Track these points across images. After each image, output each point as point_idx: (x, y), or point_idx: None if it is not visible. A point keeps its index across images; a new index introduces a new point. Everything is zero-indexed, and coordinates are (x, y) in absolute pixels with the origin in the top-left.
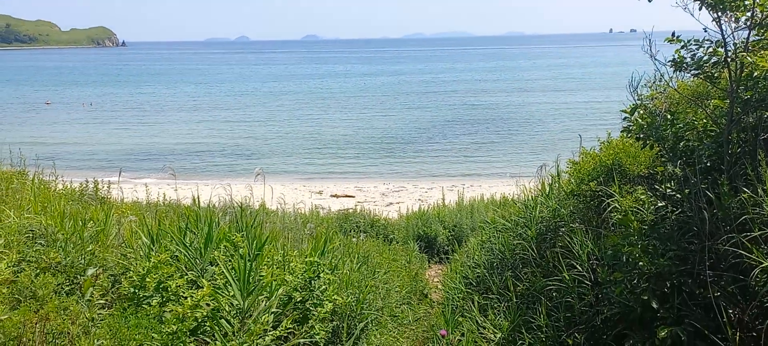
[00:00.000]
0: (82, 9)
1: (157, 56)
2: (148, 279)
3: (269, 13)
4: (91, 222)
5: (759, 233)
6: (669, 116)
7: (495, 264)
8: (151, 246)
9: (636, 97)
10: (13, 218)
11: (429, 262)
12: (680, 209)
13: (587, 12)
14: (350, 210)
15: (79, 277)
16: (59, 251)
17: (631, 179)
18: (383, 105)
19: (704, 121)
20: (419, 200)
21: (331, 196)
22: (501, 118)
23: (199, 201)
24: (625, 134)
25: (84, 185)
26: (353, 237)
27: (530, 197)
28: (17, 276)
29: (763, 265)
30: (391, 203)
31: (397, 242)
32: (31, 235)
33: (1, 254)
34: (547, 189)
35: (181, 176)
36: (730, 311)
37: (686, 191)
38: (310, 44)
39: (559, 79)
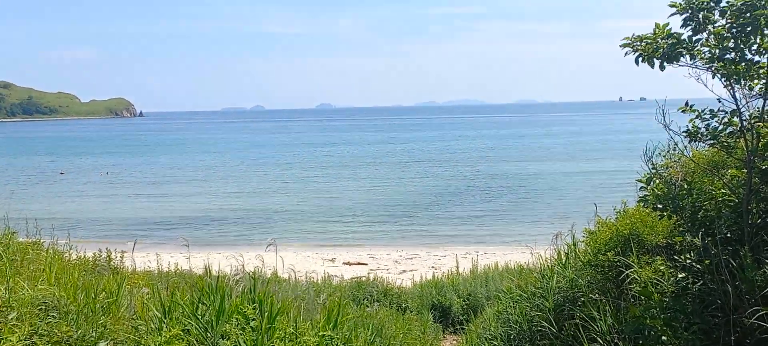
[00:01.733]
0: (102, 81)
1: (173, 126)
2: None
3: (284, 83)
4: (103, 293)
5: None
6: (686, 186)
7: (512, 336)
8: (163, 319)
9: (651, 167)
10: (27, 290)
11: (444, 333)
12: (702, 281)
13: (597, 80)
14: (363, 278)
15: None
16: (71, 324)
17: (650, 249)
18: (396, 172)
19: (722, 190)
20: (433, 267)
21: (344, 263)
22: (514, 185)
23: (211, 271)
24: (641, 204)
25: (98, 255)
26: (367, 307)
27: (546, 266)
28: None
29: None
30: (404, 271)
31: (411, 312)
32: (43, 307)
33: (13, 326)
34: (564, 258)
35: (194, 245)
36: None
37: (707, 262)
38: (323, 113)
39: (571, 146)
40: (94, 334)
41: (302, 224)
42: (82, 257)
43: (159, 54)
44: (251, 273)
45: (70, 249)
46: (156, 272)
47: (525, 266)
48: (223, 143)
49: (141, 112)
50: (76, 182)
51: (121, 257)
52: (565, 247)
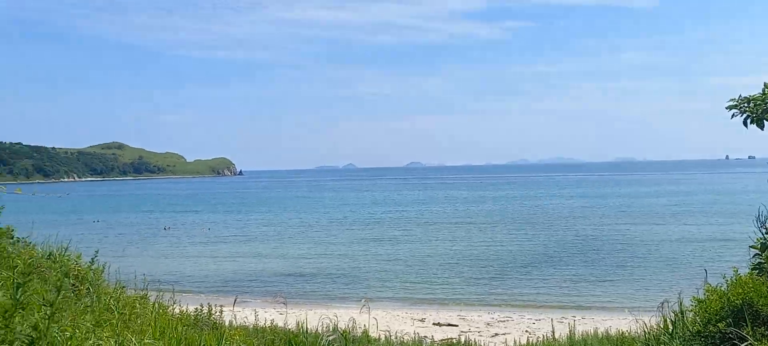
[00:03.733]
0: (206, 142)
1: (270, 183)
2: None
3: (374, 142)
4: None
5: None
6: None
7: None
8: None
9: (765, 232)
10: (134, 343)
11: None
12: None
13: (702, 138)
14: (454, 340)
15: None
16: None
17: (765, 320)
18: (488, 231)
19: None
20: (526, 331)
21: (434, 324)
22: (614, 247)
23: (306, 328)
24: (755, 272)
25: (199, 310)
26: None
27: (652, 335)
28: None
29: None
30: (496, 334)
31: None
32: None
33: None
34: (671, 327)
35: (289, 301)
36: None
37: None
38: (413, 171)
39: (675, 207)
40: None
41: (392, 282)
42: (184, 311)
43: (258, 117)
44: (343, 332)
45: (173, 303)
46: (252, 327)
47: (627, 334)
48: (317, 200)
49: (241, 171)
50: (180, 238)
51: (220, 312)
52: (672, 315)
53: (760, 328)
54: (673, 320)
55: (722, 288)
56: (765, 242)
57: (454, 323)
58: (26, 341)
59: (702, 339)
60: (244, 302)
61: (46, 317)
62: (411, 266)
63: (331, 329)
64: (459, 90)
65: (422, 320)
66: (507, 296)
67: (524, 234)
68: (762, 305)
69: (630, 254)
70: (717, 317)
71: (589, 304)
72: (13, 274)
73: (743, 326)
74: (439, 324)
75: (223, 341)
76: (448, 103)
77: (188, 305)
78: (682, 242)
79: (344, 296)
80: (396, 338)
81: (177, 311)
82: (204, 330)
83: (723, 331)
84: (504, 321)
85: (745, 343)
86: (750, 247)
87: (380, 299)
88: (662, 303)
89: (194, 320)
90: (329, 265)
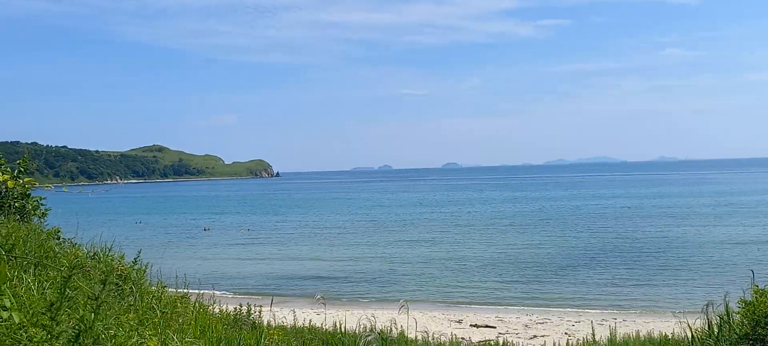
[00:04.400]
0: (244, 144)
1: (307, 185)
2: None
3: (410, 143)
4: None
5: None
6: None
7: None
8: None
9: None
10: (176, 342)
11: None
12: None
13: (745, 135)
14: (491, 342)
15: None
16: None
17: None
18: (526, 232)
19: None
20: (566, 333)
21: (471, 326)
22: (654, 247)
23: (344, 327)
24: None
25: (238, 309)
26: None
27: (697, 338)
28: None
29: None
30: (535, 336)
31: None
32: None
33: None
34: (716, 330)
35: (327, 301)
36: None
37: None
38: (450, 172)
39: (719, 207)
40: None
41: (429, 285)
42: (224, 310)
43: (295, 119)
44: (379, 332)
45: (214, 303)
46: (290, 327)
47: (671, 337)
48: (353, 202)
49: (278, 173)
50: (219, 238)
51: (260, 311)
52: (717, 317)
53: None
54: (719, 322)
55: None
56: None
57: (491, 325)
58: (72, 335)
59: (749, 342)
60: (283, 302)
61: (92, 311)
62: (448, 267)
63: (368, 330)
64: (496, 90)
65: (460, 322)
66: (546, 297)
67: (563, 235)
68: None
69: (673, 256)
70: (766, 319)
71: (630, 306)
72: (60, 272)
73: None
74: (476, 326)
75: (263, 340)
76: (485, 104)
77: (228, 305)
78: (727, 243)
79: (382, 297)
80: (433, 339)
81: (217, 310)
82: (243, 329)
83: None
84: (542, 323)
85: None
86: None
87: (417, 300)
88: (707, 305)
89: (234, 319)
90: (366, 267)
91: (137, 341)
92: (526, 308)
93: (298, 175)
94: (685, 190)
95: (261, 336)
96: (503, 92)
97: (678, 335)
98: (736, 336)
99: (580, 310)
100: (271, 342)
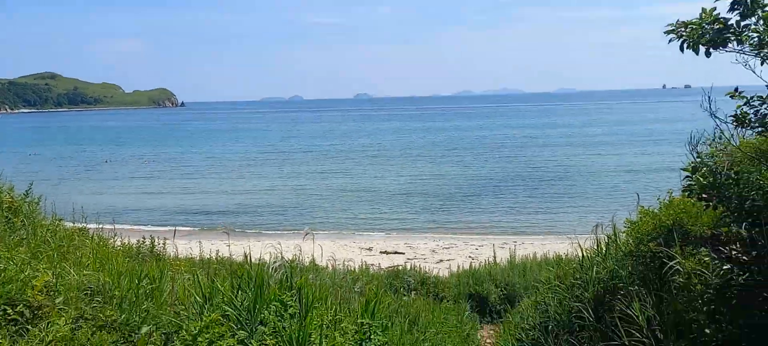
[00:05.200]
0: (145, 72)
1: (213, 116)
2: (199, 339)
3: (321, 74)
4: (146, 279)
5: None
6: (733, 175)
7: (550, 327)
8: (204, 304)
9: (696, 156)
10: (73, 275)
11: (481, 322)
12: (747, 273)
13: (639, 68)
14: (400, 267)
15: (133, 335)
16: (115, 309)
17: (694, 240)
18: (433, 161)
19: None
20: (470, 257)
21: (381, 252)
22: (553, 175)
23: (250, 258)
24: (685, 193)
25: (141, 242)
26: (403, 296)
27: (586, 257)
28: (75, 333)
29: None
30: (441, 260)
31: (448, 301)
32: (89, 292)
33: (60, 311)
34: (604, 249)
35: (234, 233)
36: None
37: (754, 253)
38: (360, 102)
39: (612, 136)
40: (137, 318)
41: (339, 213)
42: (126, 243)
43: (200, 46)
44: (289, 261)
45: (114, 236)
46: (197, 259)
47: (564, 257)
48: (261, 133)
49: (182, 103)
50: (119, 171)
51: (164, 244)
52: (606, 237)
53: (688, 247)
54: (607, 241)
55: (654, 210)
56: (695, 165)
57: (400, 251)
58: None
59: (633, 259)
60: (188, 235)
61: None
62: (359, 198)
63: (276, 259)
64: (409, 19)
65: (369, 249)
66: (452, 224)
67: (467, 164)
68: (691, 225)
69: (568, 182)
70: (648, 238)
71: (530, 230)
72: None
73: (673, 245)
74: (386, 252)
75: (167, 272)
76: (397, 33)
77: (129, 238)
78: (617, 169)
79: (289, 227)
80: (343, 266)
81: (118, 243)
82: (146, 262)
83: (653, 250)
84: (448, 248)
85: (674, 261)
86: (681, 169)
87: (326, 229)
88: (596, 226)
89: (136, 252)
90: (274, 199)
91: (30, 274)
92: (433, 234)
93: (205, 105)
94: (580, 120)
95: (166, 268)
96: (414, 22)
97: (571, 255)
98: (622, 253)
99: (484, 235)
100: (177, 273)
